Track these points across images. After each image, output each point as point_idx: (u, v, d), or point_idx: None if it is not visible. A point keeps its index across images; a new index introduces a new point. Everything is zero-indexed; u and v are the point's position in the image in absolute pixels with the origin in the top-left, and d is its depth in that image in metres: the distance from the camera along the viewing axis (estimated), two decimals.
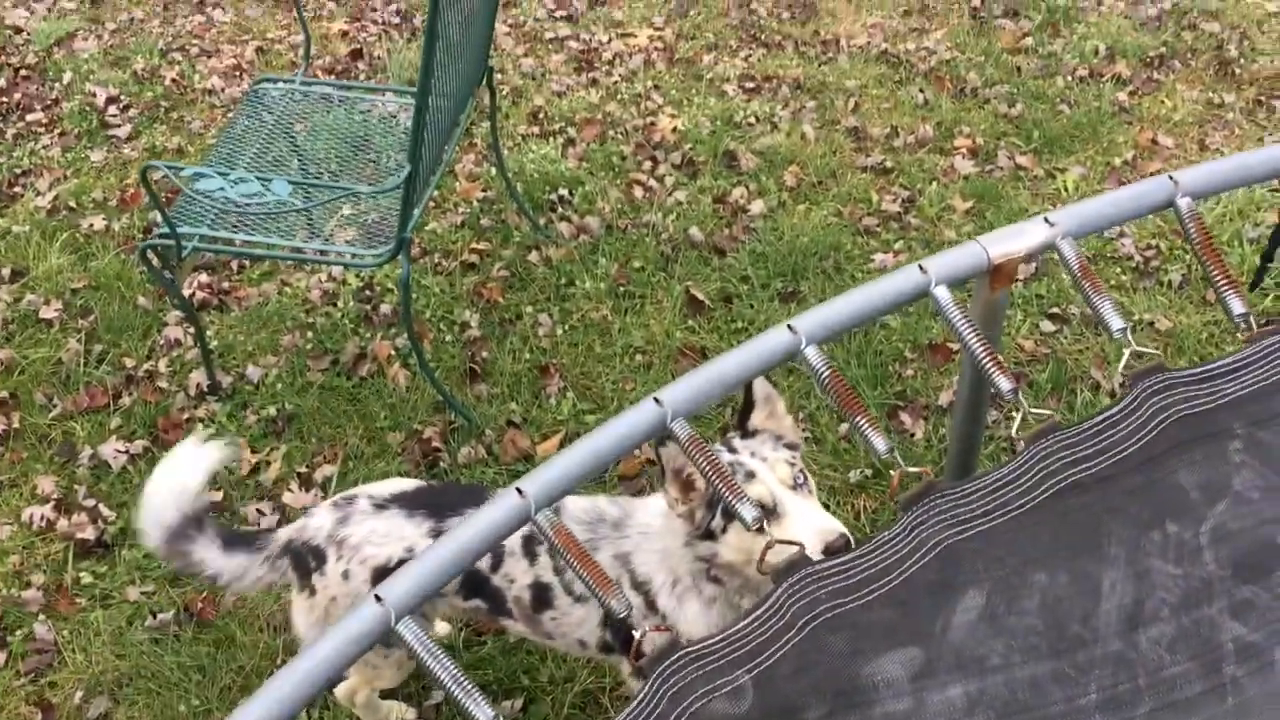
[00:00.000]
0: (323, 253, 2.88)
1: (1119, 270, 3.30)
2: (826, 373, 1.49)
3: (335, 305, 3.31)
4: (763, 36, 4.45)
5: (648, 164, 3.81)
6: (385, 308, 3.29)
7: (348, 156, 3.06)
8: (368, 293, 3.35)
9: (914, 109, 4.02)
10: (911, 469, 1.49)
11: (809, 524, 1.72)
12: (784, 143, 3.86)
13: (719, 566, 1.85)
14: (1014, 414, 1.64)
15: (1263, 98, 4.00)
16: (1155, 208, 1.65)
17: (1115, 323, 1.55)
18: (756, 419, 1.88)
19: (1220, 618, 1.51)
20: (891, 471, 1.65)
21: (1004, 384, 1.52)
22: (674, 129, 3.95)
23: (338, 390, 3.05)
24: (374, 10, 4.64)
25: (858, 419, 1.48)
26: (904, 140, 3.87)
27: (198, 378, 3.05)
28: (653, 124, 3.99)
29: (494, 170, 3.69)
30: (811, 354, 1.49)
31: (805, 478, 1.82)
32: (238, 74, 4.28)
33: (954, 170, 3.72)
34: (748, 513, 1.40)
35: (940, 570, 1.36)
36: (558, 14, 4.65)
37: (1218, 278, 1.62)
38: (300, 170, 2.98)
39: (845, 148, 3.85)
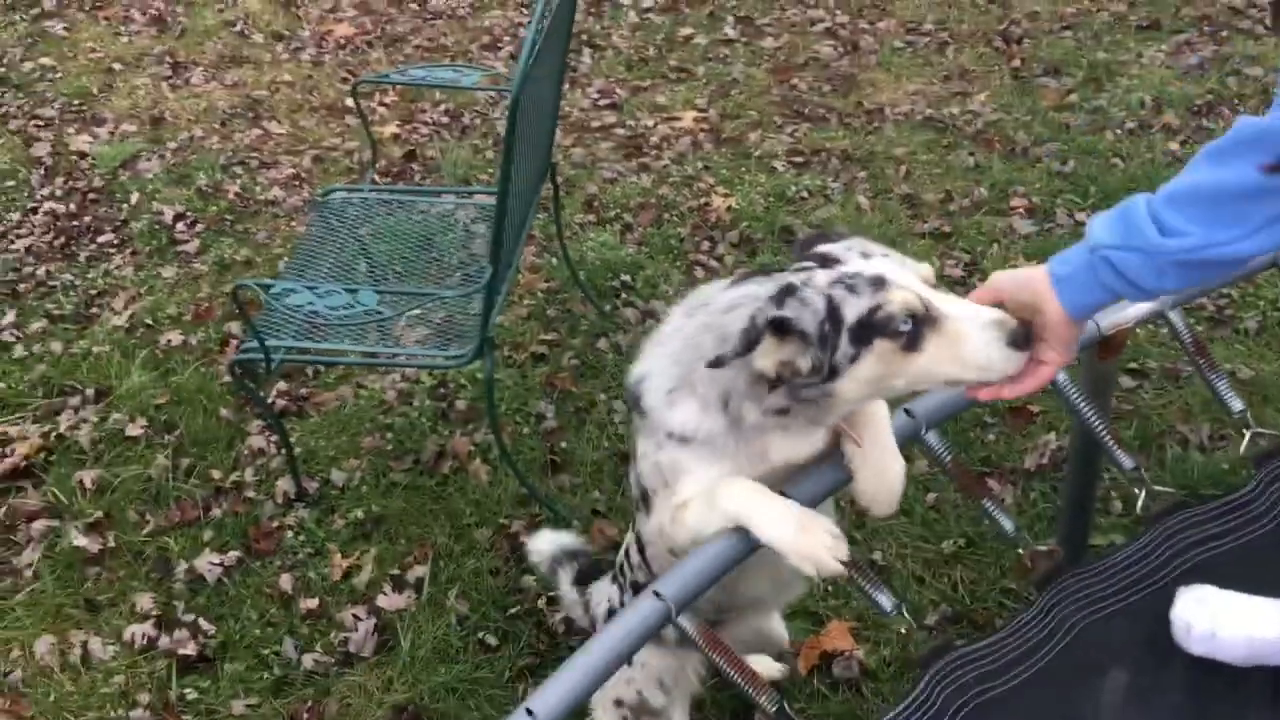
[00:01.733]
0: (406, 356, 2.91)
1: (1194, 321, 3.29)
2: (948, 457, 1.50)
3: (411, 405, 3.35)
4: (806, 111, 4.52)
5: (706, 244, 3.85)
6: (461, 404, 3.32)
7: (411, 257, 3.12)
8: (442, 390, 3.39)
9: (965, 172, 4.05)
10: (1041, 547, 1.49)
11: (976, 320, 1.34)
12: (839, 214, 3.90)
13: (816, 405, 1.43)
14: (1135, 490, 1.61)
15: None
16: (1263, 265, 1.66)
17: (1235, 404, 1.56)
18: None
19: None
20: (1020, 550, 1.64)
21: (1125, 461, 1.52)
22: (728, 208, 4.00)
23: (421, 489, 3.08)
24: (423, 112, 4.75)
25: (985, 501, 1.48)
26: (959, 204, 3.89)
27: (284, 485, 3.09)
28: (706, 204, 4.04)
29: (555, 261, 3.75)
30: (933, 439, 1.50)
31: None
32: (297, 183, 4.39)
33: (1013, 230, 3.73)
34: (885, 601, 1.40)
35: (1083, 650, 1.36)
36: (601, 103, 4.74)
37: None
38: (369, 273, 3.04)
39: (901, 215, 3.88)
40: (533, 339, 3.53)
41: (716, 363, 1.35)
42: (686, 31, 5.12)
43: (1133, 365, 3.16)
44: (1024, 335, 1.31)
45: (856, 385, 1.37)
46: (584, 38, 5.14)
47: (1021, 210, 3.82)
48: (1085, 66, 4.51)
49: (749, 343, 1.33)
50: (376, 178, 4.26)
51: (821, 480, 1.42)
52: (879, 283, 1.34)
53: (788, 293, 1.36)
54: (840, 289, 1.34)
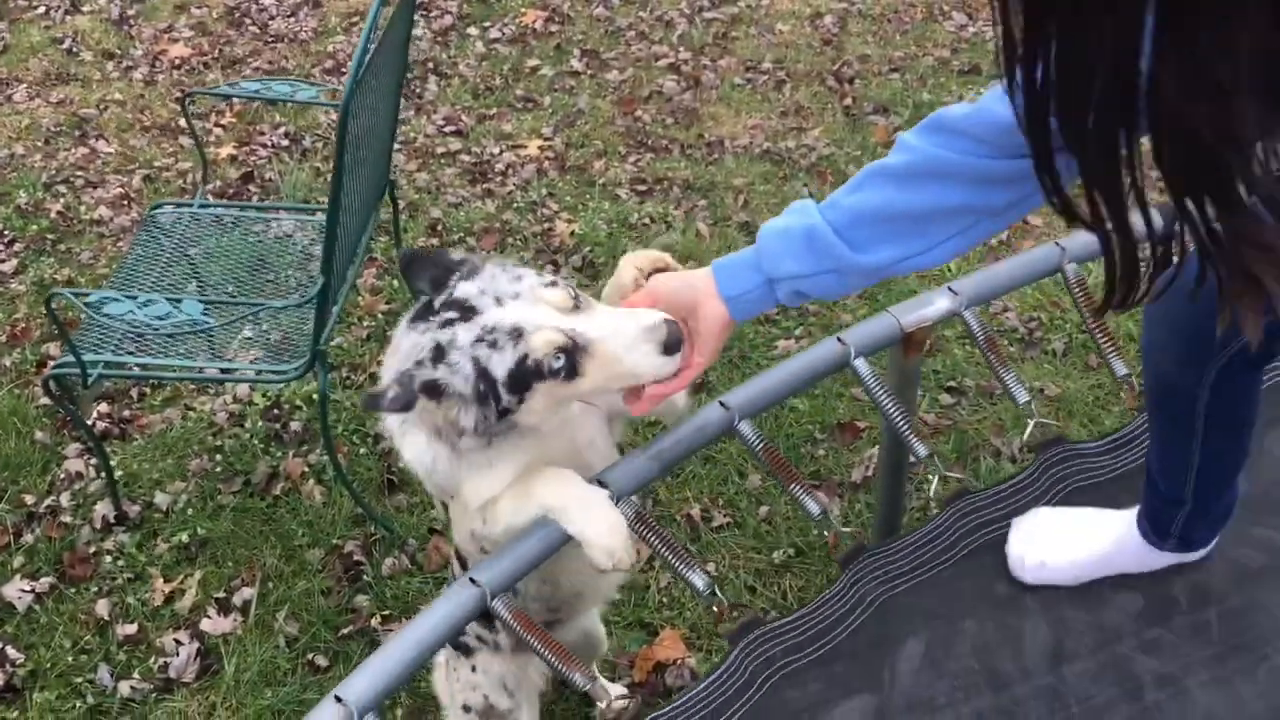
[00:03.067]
0: (230, 371, 2.84)
1: (1006, 342, 3.47)
2: (760, 445, 1.55)
3: (242, 427, 3.26)
4: (650, 141, 4.61)
5: (549, 267, 3.88)
6: (295, 425, 3.26)
7: (245, 278, 3.05)
8: (275, 412, 3.31)
9: (789, 197, 4.20)
10: (845, 529, 1.55)
11: (625, 335, 1.34)
12: (680, 240, 3.99)
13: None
14: (929, 478, 1.74)
15: None
16: (1046, 273, 1.79)
17: (1020, 395, 1.67)
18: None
19: (1134, 654, 1.63)
20: (826, 534, 1.68)
21: (920, 449, 1.60)
22: (571, 233, 4.04)
23: (251, 511, 2.99)
24: (262, 134, 4.67)
25: (792, 485, 1.54)
26: None
27: (103, 509, 2.97)
28: (550, 229, 4.08)
29: (396, 283, 3.71)
30: (745, 428, 1.55)
31: (576, 291, 1.41)
32: (125, 203, 4.25)
33: None
34: (699, 580, 1.43)
35: (881, 623, 1.43)
36: (447, 129, 4.74)
37: (1101, 340, 1.75)
38: (199, 293, 2.96)
39: (739, 241, 3.99)
40: (372, 360, 3.49)
41: (372, 404, 1.36)
42: (533, 63, 5.17)
43: (951, 384, 3.31)
44: (675, 341, 1.34)
45: (537, 415, 1.39)
46: (430, 65, 5.14)
47: None
48: (911, 106, 4.73)
49: (405, 404, 1.34)
50: (210, 196, 4.16)
51: (638, 471, 1.44)
52: (517, 333, 1.33)
53: (438, 356, 1.35)
54: (483, 348, 1.34)
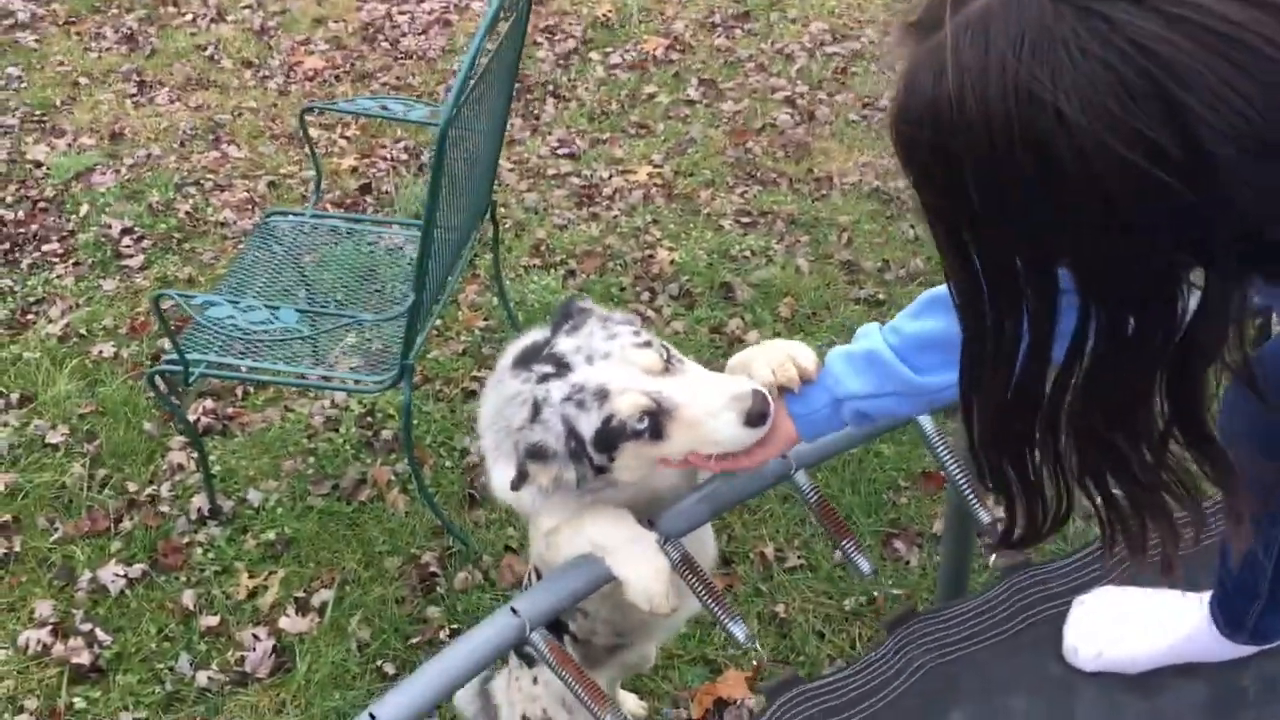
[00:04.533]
0: (326, 379, 2.93)
1: None
2: (815, 497, 1.54)
3: (337, 431, 3.35)
4: (758, 174, 4.61)
5: (646, 294, 3.91)
6: (387, 434, 3.33)
7: (354, 287, 3.14)
8: (369, 419, 3.40)
9: (905, 244, 4.14)
10: (894, 591, 1.53)
11: (710, 403, 1.35)
12: (779, 275, 3.97)
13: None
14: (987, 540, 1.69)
15: None
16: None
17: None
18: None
19: None
20: (875, 593, 1.66)
21: (983, 516, 1.57)
22: (672, 261, 4.06)
23: (337, 515, 3.07)
24: (383, 147, 4.81)
25: (844, 542, 1.52)
26: (896, 273, 3.97)
27: (199, 502, 3.08)
28: (651, 256, 4.10)
29: (496, 300, 3.79)
30: (801, 478, 1.54)
31: (669, 350, 1.43)
32: (250, 207, 4.42)
33: None
34: (739, 631, 1.43)
35: (924, 693, 1.40)
36: (560, 151, 4.82)
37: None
38: (308, 300, 3.05)
39: (839, 280, 3.96)
40: (466, 375, 3.55)
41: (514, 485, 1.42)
42: (650, 89, 5.21)
43: None
44: (759, 414, 1.35)
45: (630, 472, 1.42)
46: (550, 87, 5.23)
47: None
48: None
49: (522, 476, 1.40)
50: (328, 205, 4.31)
51: (688, 514, 1.45)
52: (602, 395, 1.36)
53: (535, 414, 1.39)
54: (572, 407, 1.37)
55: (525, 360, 1.44)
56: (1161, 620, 1.67)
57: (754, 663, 2.33)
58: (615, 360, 1.38)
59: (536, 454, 1.40)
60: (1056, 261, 0.90)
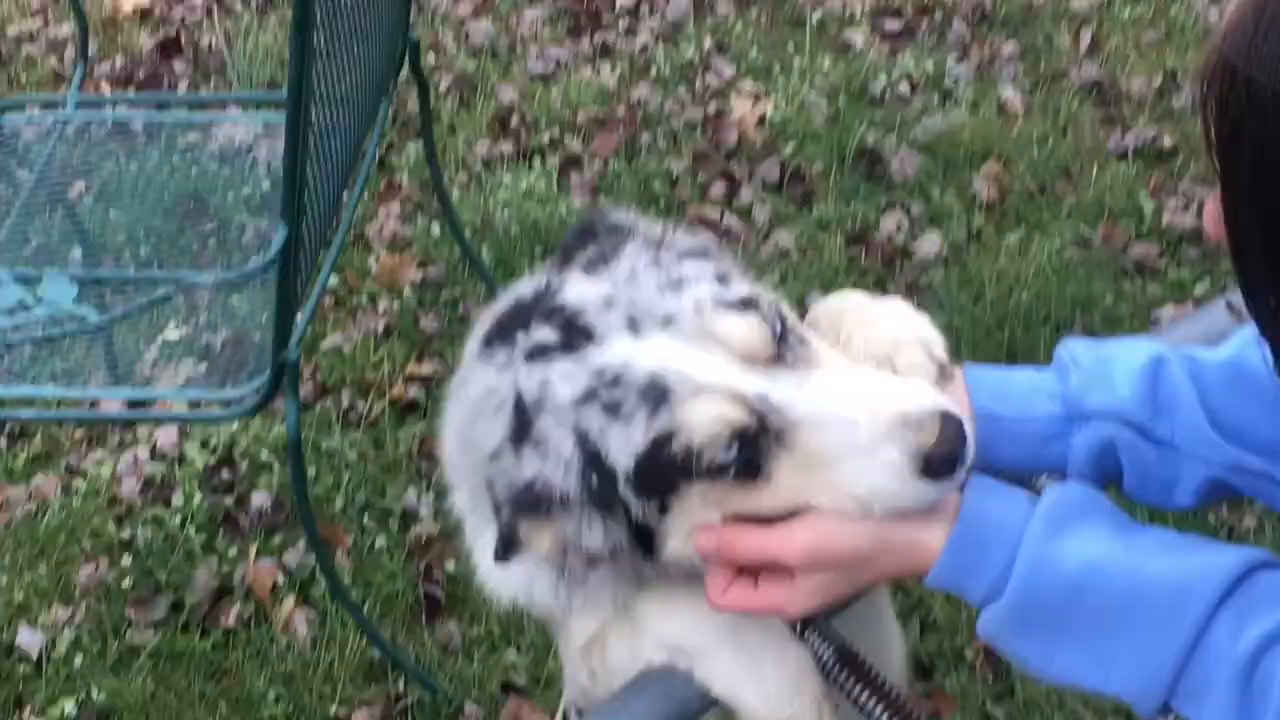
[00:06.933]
0: (139, 404, 2.05)
1: None
2: None
3: (167, 504, 2.25)
4: None
5: (719, 187, 2.65)
6: (259, 497, 2.24)
7: (169, 230, 2.27)
8: (224, 474, 2.28)
9: (1199, 36, 2.95)
10: None
11: (856, 426, 0.84)
12: (967, 123, 2.76)
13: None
14: None
15: None
16: None
17: None
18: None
19: None
20: None
21: None
22: (761, 119, 2.81)
23: (186, 657, 2.06)
24: None
25: None
26: (1187, 97, 2.80)
27: None
28: (720, 114, 2.83)
29: (437, 228, 2.59)
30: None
31: (784, 317, 0.90)
32: None
33: None
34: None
35: None
36: None
37: None
38: (88, 261, 2.17)
39: (1083, 120, 2.78)
40: (398, 373, 2.38)
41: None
42: None
43: None
44: (946, 460, 0.84)
45: (687, 536, 0.91)
46: None
47: None
48: None
49: (507, 543, 0.91)
50: (103, 86, 2.97)
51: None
52: (658, 394, 0.84)
53: (521, 426, 0.88)
54: (594, 412, 0.86)
55: (505, 329, 0.93)
56: None
57: None
58: (682, 328, 0.87)
59: (528, 501, 0.91)
60: None
